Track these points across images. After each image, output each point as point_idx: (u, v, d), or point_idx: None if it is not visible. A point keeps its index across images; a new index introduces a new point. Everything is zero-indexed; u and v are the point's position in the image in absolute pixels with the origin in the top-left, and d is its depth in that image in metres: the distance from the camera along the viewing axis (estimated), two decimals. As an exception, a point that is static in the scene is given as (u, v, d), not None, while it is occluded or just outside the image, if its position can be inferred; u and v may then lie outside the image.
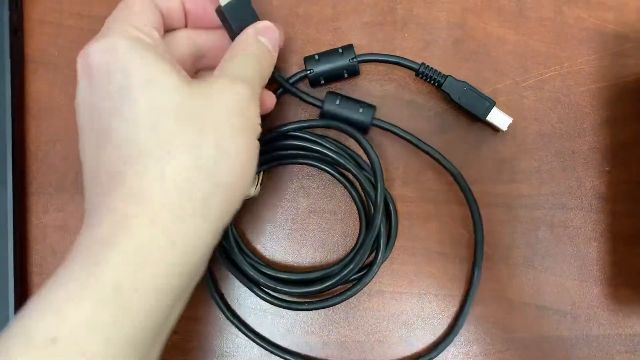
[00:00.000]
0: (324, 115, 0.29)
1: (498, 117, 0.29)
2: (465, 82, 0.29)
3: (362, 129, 0.29)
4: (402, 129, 0.29)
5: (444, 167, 0.29)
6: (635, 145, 0.31)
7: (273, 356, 0.30)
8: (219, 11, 0.26)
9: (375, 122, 0.29)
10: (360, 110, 0.29)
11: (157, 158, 0.20)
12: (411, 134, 0.30)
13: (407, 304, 0.30)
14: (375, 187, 0.28)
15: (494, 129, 0.30)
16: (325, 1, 0.32)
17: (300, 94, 0.30)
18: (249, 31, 0.26)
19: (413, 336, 0.30)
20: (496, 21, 0.32)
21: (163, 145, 0.20)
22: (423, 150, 0.30)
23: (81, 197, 0.30)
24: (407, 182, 0.31)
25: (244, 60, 0.24)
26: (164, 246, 0.19)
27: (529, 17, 0.32)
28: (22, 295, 0.30)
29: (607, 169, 0.31)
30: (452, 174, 0.29)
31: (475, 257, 0.30)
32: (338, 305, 0.30)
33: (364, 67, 0.31)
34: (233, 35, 0.26)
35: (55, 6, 0.32)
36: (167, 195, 0.20)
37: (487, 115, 0.29)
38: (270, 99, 0.28)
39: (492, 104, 0.29)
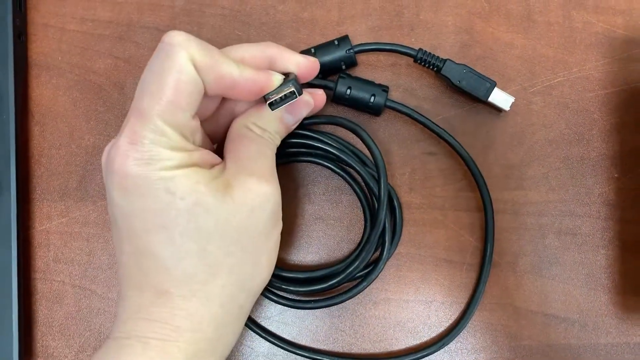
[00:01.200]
0: (336, 98, 0.29)
1: (500, 97, 0.29)
2: (464, 64, 0.29)
3: (376, 110, 0.29)
4: (415, 111, 0.29)
5: (456, 151, 0.29)
6: (645, 152, 0.31)
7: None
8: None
9: (389, 104, 0.29)
10: (374, 92, 0.29)
11: (204, 282, 0.21)
12: (425, 116, 0.29)
13: (414, 311, 0.30)
14: (378, 182, 0.27)
15: (497, 109, 0.30)
16: (331, 5, 0.31)
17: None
18: (273, 115, 0.25)
19: (419, 344, 0.30)
20: (504, 26, 0.31)
21: (210, 269, 0.21)
22: (436, 134, 0.29)
23: (84, 203, 0.30)
24: (413, 188, 0.31)
25: (264, 156, 0.24)
26: (208, 352, 0.21)
27: (537, 21, 0.31)
28: (26, 301, 0.30)
29: (615, 175, 0.31)
30: (464, 159, 0.29)
31: (486, 235, 0.30)
32: (344, 313, 0.30)
33: (362, 58, 0.31)
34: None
35: (58, 10, 0.31)
36: (212, 313, 0.21)
37: (489, 96, 0.29)
38: (321, 98, 0.27)
39: (494, 84, 0.29)
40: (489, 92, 0.29)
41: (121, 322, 0.21)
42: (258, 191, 0.22)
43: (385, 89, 0.29)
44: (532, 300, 0.30)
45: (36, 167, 0.31)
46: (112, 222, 0.22)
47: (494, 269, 0.30)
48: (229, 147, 0.24)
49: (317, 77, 0.29)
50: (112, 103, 0.31)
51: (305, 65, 0.25)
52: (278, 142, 0.26)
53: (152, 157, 0.20)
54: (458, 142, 0.29)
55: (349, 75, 0.29)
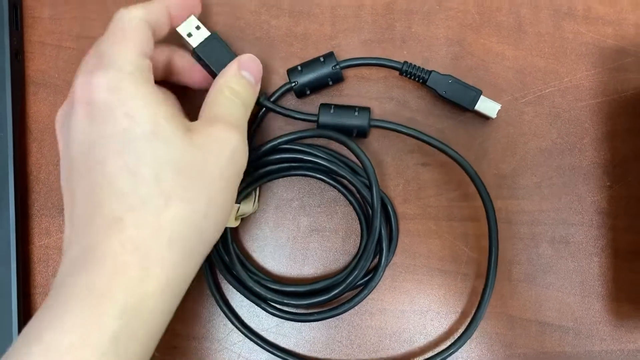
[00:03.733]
0: (320, 128, 0.29)
1: (486, 105, 0.29)
2: (449, 75, 0.29)
3: (362, 133, 0.29)
4: (403, 125, 0.29)
5: (451, 157, 0.29)
6: (636, 160, 0.31)
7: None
8: (195, 53, 0.28)
9: (373, 123, 0.29)
10: (356, 114, 0.29)
11: (157, 209, 0.21)
12: (414, 128, 0.29)
13: (410, 321, 0.31)
14: (370, 189, 0.28)
15: (485, 117, 0.30)
16: (323, 19, 0.32)
17: (293, 113, 0.30)
18: (233, 67, 0.26)
19: (416, 354, 0.30)
20: (495, 37, 0.32)
21: (163, 196, 0.21)
22: (428, 143, 0.29)
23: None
24: (407, 199, 0.31)
25: (231, 102, 0.25)
26: (156, 294, 0.20)
27: (527, 32, 0.32)
28: (25, 316, 0.30)
29: (607, 184, 0.31)
30: (460, 164, 0.29)
31: (491, 239, 0.30)
32: (340, 324, 0.30)
33: (353, 72, 0.31)
34: (213, 73, 0.27)
35: (55, 28, 0.32)
36: (161, 248, 0.21)
37: (475, 105, 0.29)
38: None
39: (479, 93, 0.29)
40: (474, 101, 0.29)
41: (65, 267, 0.21)
42: (217, 136, 0.23)
43: (366, 110, 0.29)
44: (526, 309, 0.30)
45: (34, 183, 0.31)
46: (65, 168, 0.23)
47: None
48: (203, 106, 0.25)
49: (305, 95, 0.30)
50: (109, 119, 0.31)
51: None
52: (249, 103, 0.27)
53: (116, 86, 0.21)
54: (455, 151, 0.29)
55: (328, 105, 0.30)
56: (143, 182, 0.21)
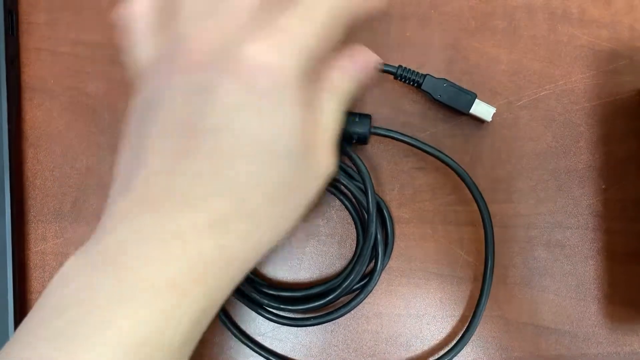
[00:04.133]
0: None
1: (481, 109, 0.29)
2: (444, 78, 0.29)
3: (363, 139, 0.29)
4: (404, 134, 0.29)
5: (449, 166, 0.29)
6: (631, 163, 0.31)
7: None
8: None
9: (374, 130, 0.29)
10: (357, 120, 0.29)
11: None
12: (412, 137, 0.29)
13: (406, 325, 0.31)
14: (365, 193, 0.28)
15: (480, 121, 0.30)
16: (318, 24, 0.32)
17: None
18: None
19: (412, 358, 0.30)
20: (490, 41, 0.32)
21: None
22: (426, 152, 0.29)
23: (79, 224, 0.31)
24: (403, 203, 0.31)
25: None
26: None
27: (522, 35, 0.32)
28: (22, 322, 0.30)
29: (603, 187, 0.31)
30: (458, 174, 0.29)
31: (486, 250, 0.30)
32: (337, 329, 0.30)
33: None
34: None
35: (50, 34, 0.32)
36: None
37: (470, 109, 0.29)
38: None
39: (474, 96, 0.29)
40: (469, 104, 0.29)
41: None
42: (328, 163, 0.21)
43: (367, 117, 0.29)
44: (522, 312, 0.30)
45: (31, 189, 0.31)
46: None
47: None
48: None
49: None
50: (105, 125, 0.31)
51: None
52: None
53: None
54: (450, 158, 0.29)
55: None
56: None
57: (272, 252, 0.31)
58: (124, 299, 0.17)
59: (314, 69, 0.20)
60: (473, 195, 0.29)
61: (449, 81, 0.29)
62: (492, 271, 0.29)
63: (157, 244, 0.18)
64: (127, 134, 0.21)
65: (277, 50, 0.18)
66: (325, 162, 0.21)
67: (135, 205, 0.18)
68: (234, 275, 0.20)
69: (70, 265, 0.18)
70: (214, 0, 0.20)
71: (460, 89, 0.29)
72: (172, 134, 0.19)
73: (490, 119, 0.30)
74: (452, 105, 0.29)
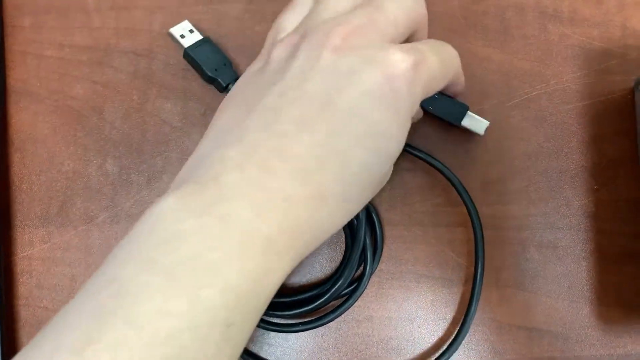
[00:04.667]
0: None
1: (473, 122, 0.29)
2: None
3: None
4: None
5: (437, 168, 0.29)
6: (623, 163, 0.31)
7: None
8: (186, 53, 0.29)
9: None
10: None
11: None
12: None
13: (397, 329, 0.30)
14: None
15: (473, 133, 0.30)
16: (307, 25, 0.31)
17: None
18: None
19: (403, 361, 0.30)
20: (481, 40, 0.31)
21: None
22: (417, 157, 0.29)
23: (66, 229, 0.30)
24: (393, 205, 0.31)
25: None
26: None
27: (513, 35, 0.31)
28: (9, 328, 0.30)
29: (595, 187, 0.31)
30: (446, 176, 0.29)
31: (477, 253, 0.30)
32: (327, 333, 0.30)
33: None
34: (204, 74, 0.29)
35: (36, 37, 0.31)
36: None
37: (461, 121, 0.29)
38: None
39: (466, 108, 0.29)
40: (461, 116, 0.29)
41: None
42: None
43: None
44: (515, 315, 0.30)
45: (17, 194, 0.31)
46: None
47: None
48: None
49: None
50: (91, 128, 0.31)
51: None
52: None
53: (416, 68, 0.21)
54: (439, 160, 0.29)
55: None
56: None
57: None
58: (234, 246, 0.18)
59: None
60: (462, 198, 0.29)
61: (440, 92, 0.29)
62: (483, 273, 0.29)
63: (265, 203, 0.19)
64: (240, 91, 0.23)
65: (416, 67, 0.21)
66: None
67: (246, 160, 0.19)
68: (307, 248, 0.21)
69: (174, 206, 0.18)
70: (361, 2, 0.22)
71: (453, 100, 0.29)
72: (300, 102, 0.20)
73: (483, 133, 0.29)
74: (443, 117, 0.29)
